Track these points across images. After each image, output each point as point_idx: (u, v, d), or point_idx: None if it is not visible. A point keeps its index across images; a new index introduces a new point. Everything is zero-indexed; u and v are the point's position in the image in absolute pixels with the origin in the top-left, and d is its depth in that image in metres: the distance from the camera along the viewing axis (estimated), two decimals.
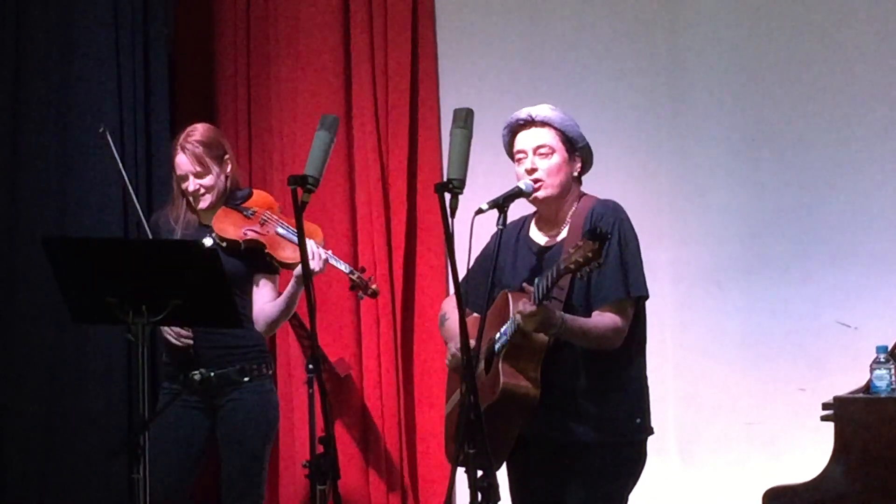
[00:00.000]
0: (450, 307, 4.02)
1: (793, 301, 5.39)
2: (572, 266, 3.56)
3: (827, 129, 5.38)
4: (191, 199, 4.57)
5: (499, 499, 3.37)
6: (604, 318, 3.80)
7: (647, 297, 3.89)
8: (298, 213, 3.45)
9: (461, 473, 3.42)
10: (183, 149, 4.53)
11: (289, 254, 4.45)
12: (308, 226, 4.45)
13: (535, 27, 5.76)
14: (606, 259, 3.74)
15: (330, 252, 4.46)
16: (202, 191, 4.54)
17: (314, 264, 4.34)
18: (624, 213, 3.90)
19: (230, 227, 4.49)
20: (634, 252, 3.86)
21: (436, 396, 5.74)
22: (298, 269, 4.35)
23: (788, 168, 5.43)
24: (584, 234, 3.58)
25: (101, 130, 4.71)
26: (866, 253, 5.30)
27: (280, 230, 4.49)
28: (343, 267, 4.46)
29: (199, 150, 4.52)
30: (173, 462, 4.49)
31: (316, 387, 5.22)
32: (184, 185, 4.55)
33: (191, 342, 4.48)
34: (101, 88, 5.73)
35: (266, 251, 4.46)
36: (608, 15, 5.67)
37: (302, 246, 3.50)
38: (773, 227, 5.44)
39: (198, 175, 4.53)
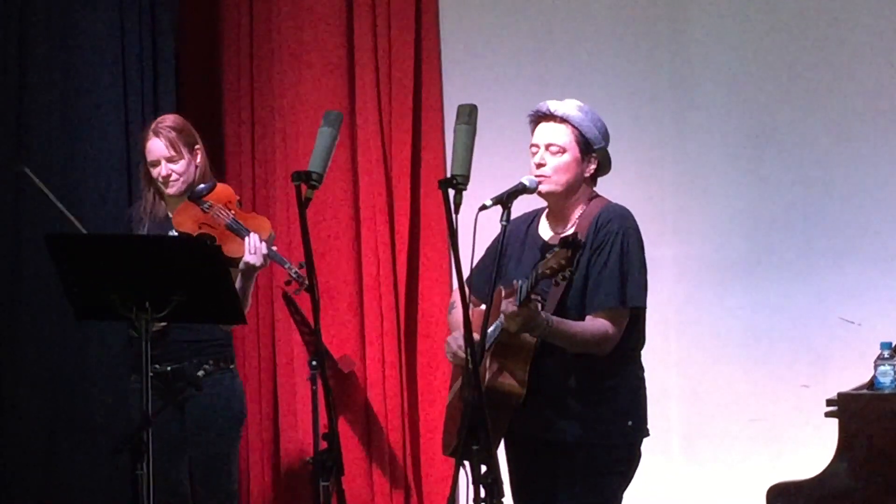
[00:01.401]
0: (459, 296, 4.01)
1: (796, 297, 5.38)
2: (547, 272, 3.57)
3: (831, 126, 5.37)
4: (161, 184, 4.57)
5: (502, 495, 3.37)
6: (594, 325, 3.79)
7: (643, 308, 3.88)
8: (302, 209, 3.45)
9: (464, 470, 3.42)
10: (156, 133, 4.56)
11: (233, 248, 4.42)
12: (256, 220, 4.53)
13: (540, 23, 5.75)
14: (606, 265, 3.77)
15: (275, 248, 4.47)
16: (174, 176, 4.55)
17: (253, 259, 4.36)
18: (631, 220, 3.87)
19: (187, 220, 4.50)
20: (637, 261, 3.83)
21: (439, 393, 5.73)
22: (242, 264, 4.38)
23: (792, 165, 5.42)
24: (560, 241, 3.58)
25: (21, 171, 4.83)
26: (870, 249, 5.29)
27: (228, 224, 4.46)
28: (283, 261, 4.47)
29: (173, 134, 4.55)
30: (164, 456, 4.46)
31: (319, 383, 5.22)
32: (155, 171, 4.56)
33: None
34: (106, 86, 5.71)
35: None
36: (612, 11, 5.65)
37: (306, 245, 3.48)
38: (776, 224, 5.43)
39: (170, 160, 4.55)
